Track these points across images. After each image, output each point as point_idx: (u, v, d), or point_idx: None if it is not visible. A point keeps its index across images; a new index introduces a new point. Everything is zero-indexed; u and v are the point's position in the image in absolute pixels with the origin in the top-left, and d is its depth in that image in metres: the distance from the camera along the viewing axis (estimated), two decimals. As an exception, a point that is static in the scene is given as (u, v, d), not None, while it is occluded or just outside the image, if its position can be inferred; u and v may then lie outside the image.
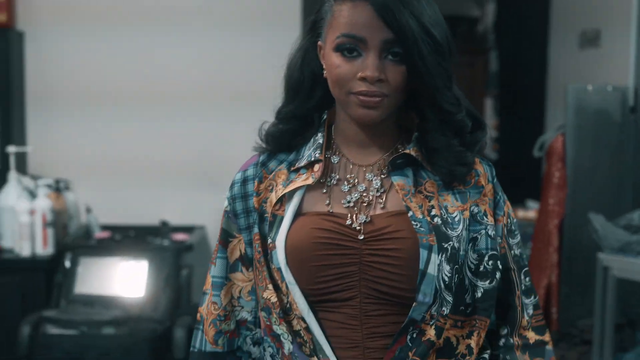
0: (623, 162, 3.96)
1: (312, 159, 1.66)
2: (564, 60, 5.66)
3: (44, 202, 4.33)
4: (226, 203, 1.73)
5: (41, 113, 4.79)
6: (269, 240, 1.61)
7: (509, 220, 1.67)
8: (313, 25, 1.68)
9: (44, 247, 4.31)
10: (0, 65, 4.53)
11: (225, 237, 1.72)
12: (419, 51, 1.52)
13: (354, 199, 1.61)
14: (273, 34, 4.74)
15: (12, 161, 4.47)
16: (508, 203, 1.68)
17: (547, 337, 1.70)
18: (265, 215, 1.65)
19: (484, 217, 1.61)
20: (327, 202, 1.63)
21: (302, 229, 1.59)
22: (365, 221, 1.58)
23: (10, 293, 4.23)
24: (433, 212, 1.56)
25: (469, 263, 1.59)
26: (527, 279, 1.69)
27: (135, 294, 4.06)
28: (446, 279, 1.52)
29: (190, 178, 4.77)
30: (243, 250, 1.70)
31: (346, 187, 1.63)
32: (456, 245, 1.55)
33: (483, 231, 1.60)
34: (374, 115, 1.56)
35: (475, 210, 1.61)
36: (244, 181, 1.71)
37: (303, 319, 1.57)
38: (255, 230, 1.66)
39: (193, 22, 4.87)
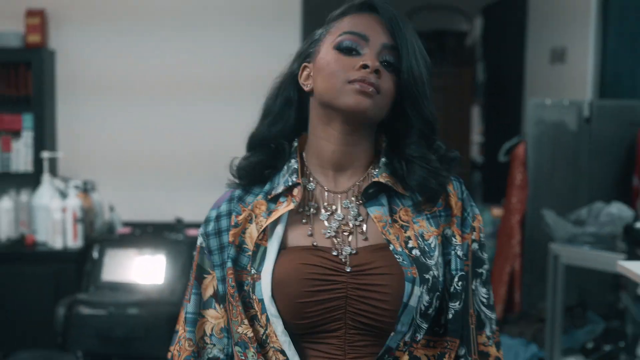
0: (578, 166, 4.51)
1: (290, 183, 1.63)
2: (537, 74, 6.11)
3: (74, 201, 4.86)
4: (200, 239, 1.69)
5: (70, 122, 5.30)
6: (252, 272, 1.58)
7: (480, 235, 1.67)
8: (300, 55, 1.70)
9: (74, 241, 4.83)
10: (35, 80, 5.08)
11: (200, 274, 1.69)
12: (416, 61, 1.57)
13: (334, 228, 1.60)
14: (292, 31, 5.24)
15: (45, 165, 4.97)
16: (479, 217, 1.68)
17: (501, 352, 1.72)
18: (244, 246, 1.62)
19: (453, 237, 1.61)
20: (309, 232, 1.61)
21: (289, 263, 1.56)
22: (350, 253, 1.57)
23: (45, 280, 4.71)
24: (410, 244, 1.56)
25: (446, 285, 1.59)
26: (492, 293, 1.70)
27: (155, 281, 4.55)
28: (423, 308, 1.53)
29: (202, 179, 5.12)
30: (216, 287, 1.66)
31: (325, 216, 1.62)
32: (436, 273, 1.55)
33: (453, 252, 1.60)
34: (367, 104, 1.55)
35: (448, 232, 1.61)
36: (218, 218, 1.68)
37: (282, 352, 1.55)
38: (229, 264, 1.61)
39: (210, 22, 5.30)
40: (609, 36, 4.94)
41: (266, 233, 1.61)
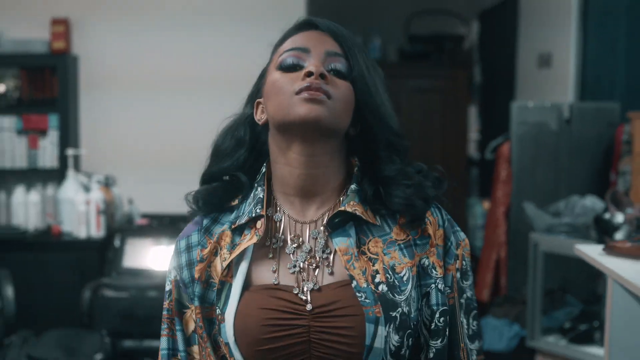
0: (558, 163, 4.91)
1: (253, 214, 1.53)
2: (526, 77, 6.50)
3: (97, 195, 5.26)
4: (173, 273, 1.59)
5: (91, 121, 5.70)
6: (218, 312, 1.50)
7: (463, 262, 1.56)
8: (251, 96, 1.64)
9: (97, 231, 5.22)
10: (60, 83, 5.48)
11: (179, 308, 1.59)
12: (366, 67, 1.51)
13: (300, 262, 1.50)
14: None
15: (70, 161, 5.36)
16: (464, 241, 1.58)
17: None
18: (212, 281, 1.53)
19: (433, 269, 1.51)
20: (273, 268, 1.51)
21: (249, 308, 1.47)
22: (312, 289, 1.47)
23: (70, 267, 5.09)
24: (377, 279, 1.46)
25: (425, 320, 1.50)
26: (475, 322, 1.60)
27: (171, 267, 4.99)
28: (393, 348, 1.44)
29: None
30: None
31: (291, 249, 1.52)
32: (405, 309, 1.46)
33: (433, 285, 1.50)
34: (319, 112, 1.44)
35: (426, 262, 1.51)
36: (188, 248, 1.58)
37: None
38: (196, 302, 1.53)
39: (223, 21, 5.66)
40: (589, 43, 5.34)
41: (231, 268, 1.52)
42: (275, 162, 1.55)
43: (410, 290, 1.48)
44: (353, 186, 1.53)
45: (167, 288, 1.61)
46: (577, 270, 4.62)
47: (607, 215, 3.84)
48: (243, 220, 1.54)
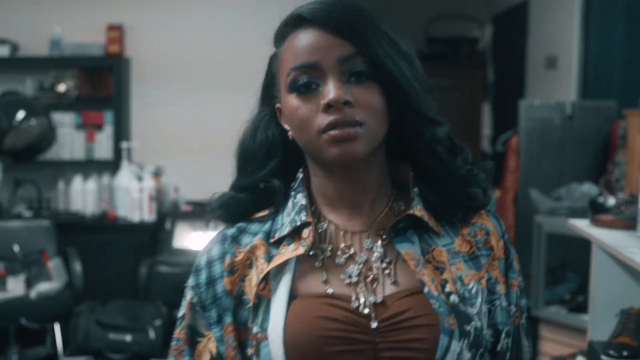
0: (562, 154, 5.49)
1: (298, 223, 1.37)
2: (535, 77, 7.06)
3: (149, 183, 5.86)
4: (190, 294, 1.40)
5: (142, 117, 6.31)
6: (255, 330, 1.32)
7: (520, 279, 1.43)
8: (266, 91, 1.46)
9: (149, 215, 5.83)
10: (115, 83, 6.09)
11: (192, 336, 1.39)
12: (387, 54, 1.31)
13: (355, 273, 1.34)
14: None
15: (123, 153, 6.00)
16: (516, 256, 1.44)
17: None
18: (244, 297, 1.35)
19: (496, 285, 1.38)
20: (324, 277, 1.34)
21: (303, 318, 1.29)
22: (375, 302, 1.30)
23: (126, 247, 5.72)
24: (447, 288, 1.32)
25: (487, 342, 1.36)
26: (529, 343, 1.48)
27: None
28: None
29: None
30: (215, 351, 1.37)
31: (342, 259, 1.36)
32: (478, 325, 1.32)
33: (497, 302, 1.38)
34: (354, 150, 1.29)
35: (491, 278, 1.38)
36: (209, 264, 1.39)
37: None
38: (228, 319, 1.35)
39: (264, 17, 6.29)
40: (590, 47, 5.94)
41: (269, 282, 1.34)
42: (314, 173, 1.41)
43: (481, 305, 1.35)
44: (416, 189, 1.39)
45: (181, 313, 1.43)
46: (576, 249, 5.16)
47: (600, 199, 4.42)
48: (285, 231, 1.37)
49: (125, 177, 5.97)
